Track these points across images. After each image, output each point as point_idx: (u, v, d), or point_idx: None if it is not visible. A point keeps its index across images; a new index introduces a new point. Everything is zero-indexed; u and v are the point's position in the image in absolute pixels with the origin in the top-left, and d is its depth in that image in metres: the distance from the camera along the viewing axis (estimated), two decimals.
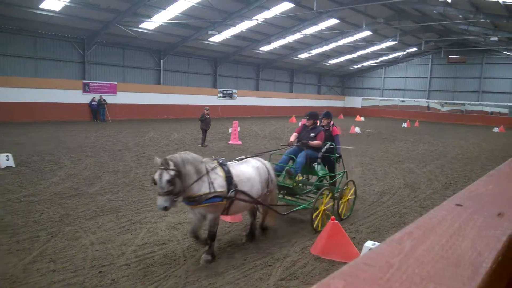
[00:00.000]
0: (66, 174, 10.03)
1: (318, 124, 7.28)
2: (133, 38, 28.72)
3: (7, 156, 10.50)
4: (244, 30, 30.70)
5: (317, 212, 6.29)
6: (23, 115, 24.05)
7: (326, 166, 7.25)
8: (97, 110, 28.18)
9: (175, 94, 34.77)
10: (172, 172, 4.43)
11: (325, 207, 6.54)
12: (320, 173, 6.94)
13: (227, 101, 39.69)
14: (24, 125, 21.29)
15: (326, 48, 38.51)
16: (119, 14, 24.03)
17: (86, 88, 28.26)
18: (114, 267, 4.93)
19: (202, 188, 4.71)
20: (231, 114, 38.12)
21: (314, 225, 6.25)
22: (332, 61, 45.44)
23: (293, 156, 6.91)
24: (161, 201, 4.41)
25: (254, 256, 5.47)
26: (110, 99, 29.13)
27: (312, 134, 6.93)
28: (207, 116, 16.09)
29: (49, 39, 25.91)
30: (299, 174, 7.07)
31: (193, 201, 4.70)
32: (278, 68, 45.79)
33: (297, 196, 6.90)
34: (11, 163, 10.47)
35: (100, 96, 28.55)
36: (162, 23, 26.60)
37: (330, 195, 6.72)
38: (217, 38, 31.84)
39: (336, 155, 7.17)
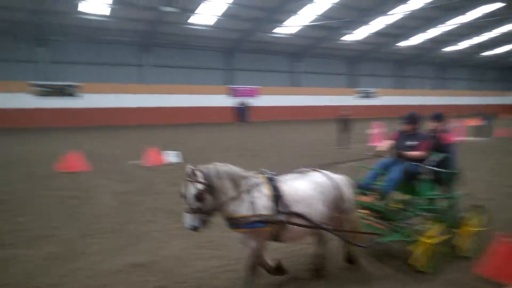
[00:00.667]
0: None
1: (423, 129, 5.61)
2: (270, 43, 30.38)
3: (174, 153, 12.40)
4: (382, 26, 29.36)
5: (419, 245, 4.70)
6: (177, 118, 27.82)
7: (437, 185, 5.40)
8: (241, 113, 30.86)
9: (312, 95, 35.43)
10: (201, 186, 3.66)
11: (433, 241, 4.77)
12: (426, 193, 5.22)
13: (366, 100, 38.47)
14: (181, 126, 24.49)
15: (481, 38, 33.86)
16: (257, 22, 25.74)
17: (231, 93, 31.15)
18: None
19: (240, 209, 3.80)
20: (370, 115, 36.79)
21: (416, 264, 4.67)
22: (489, 53, 39.66)
23: (384, 170, 5.37)
24: (189, 219, 3.66)
25: None
26: (252, 102, 31.51)
27: (409, 143, 5.41)
28: (347, 117, 15.92)
29: (198, 50, 29.37)
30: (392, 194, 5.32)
31: (231, 223, 3.85)
32: (422, 64, 42.23)
33: (392, 222, 5.16)
34: (178, 159, 12.32)
35: (244, 99, 31.17)
36: (300, 26, 27.42)
37: (441, 224, 5.02)
38: (353, 36, 31.22)
39: (450, 171, 5.32)
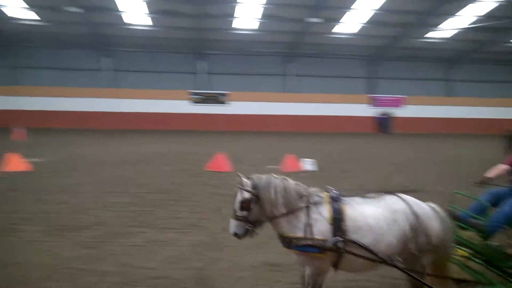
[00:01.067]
0: (354, 183, 10.98)
1: None
2: (420, 49, 28.19)
3: (311, 161, 12.65)
4: None
5: None
6: (316, 127, 28.10)
7: None
8: (383, 123, 29.46)
9: (468, 106, 31.52)
10: (247, 195, 3.61)
11: None
12: None
13: None
14: (319, 135, 24.66)
15: None
16: (407, 27, 24.18)
17: (372, 102, 30.01)
18: None
19: (293, 228, 3.57)
20: None
21: None
22: None
23: (493, 202, 4.42)
24: (232, 225, 3.69)
25: None
26: (396, 112, 29.76)
27: None
28: None
29: (340, 59, 29.16)
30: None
31: (283, 241, 3.64)
32: None
33: (499, 267, 4.09)
34: (314, 167, 12.52)
35: (386, 109, 29.67)
36: (458, 29, 24.77)
37: None
38: None
39: None
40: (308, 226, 3.49)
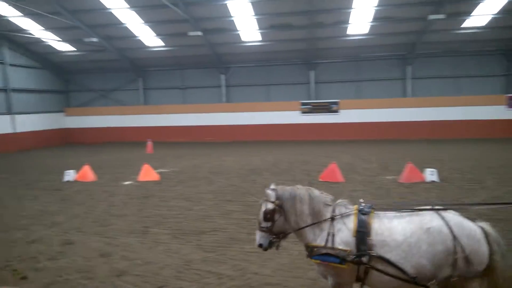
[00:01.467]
0: (487, 195, 9.77)
1: None
2: None
3: (432, 171, 11.68)
4: None
5: None
6: (439, 133, 25.77)
7: None
8: None
9: None
10: (271, 206, 3.65)
11: None
12: None
13: None
14: (443, 142, 22.59)
15: None
16: None
17: (509, 103, 26.37)
18: None
19: (317, 238, 3.52)
20: None
21: None
22: None
23: None
24: (257, 236, 3.71)
25: None
26: None
27: None
28: None
29: (467, 56, 26.31)
30: None
31: (308, 251, 3.57)
32: None
33: None
34: (435, 177, 11.53)
35: None
36: None
37: None
38: None
39: None
40: (331, 235, 3.46)
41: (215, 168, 15.07)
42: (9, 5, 19.67)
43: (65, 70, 29.49)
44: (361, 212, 3.53)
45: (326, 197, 3.75)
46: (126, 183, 12.57)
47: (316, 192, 3.77)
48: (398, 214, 3.58)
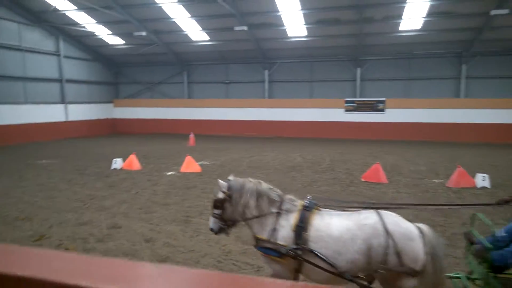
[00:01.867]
0: None
1: None
2: None
3: (483, 176, 11.18)
4: None
5: None
6: (495, 136, 24.43)
7: None
8: None
9: None
10: (221, 195, 3.98)
11: None
12: None
13: None
14: (498, 147, 21.44)
15: None
16: None
17: None
18: None
19: (262, 231, 3.79)
20: None
21: None
22: None
23: None
24: (210, 221, 4.09)
25: None
26: None
27: None
28: None
29: None
30: None
31: (254, 242, 3.85)
32: None
33: None
34: (486, 183, 11.03)
35: None
36: None
37: None
38: None
39: None
40: (274, 230, 3.70)
41: (255, 163, 15.26)
42: None
43: (115, 62, 30.89)
44: (305, 208, 3.76)
45: (274, 192, 3.96)
46: (169, 173, 13.06)
47: (264, 186, 4.00)
48: (339, 212, 3.81)
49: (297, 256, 3.56)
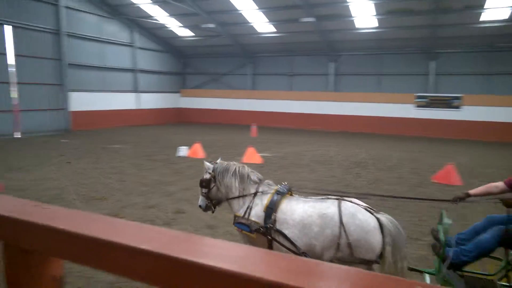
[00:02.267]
0: None
1: None
2: None
3: None
4: None
5: None
6: None
7: None
8: None
9: None
10: (207, 176, 4.50)
11: None
12: None
13: None
14: None
15: None
16: None
17: None
18: None
19: (240, 209, 4.22)
20: None
21: None
22: None
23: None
24: (199, 199, 4.65)
25: None
26: None
27: None
28: None
29: None
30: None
31: (234, 219, 4.27)
32: None
33: None
34: None
35: None
36: None
37: None
38: None
39: None
40: (249, 208, 4.11)
41: (318, 157, 15.04)
42: None
43: (183, 54, 32.08)
44: (277, 192, 4.10)
45: (255, 176, 4.36)
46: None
47: (247, 170, 4.40)
48: (307, 199, 4.08)
49: (265, 233, 3.94)
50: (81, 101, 23.55)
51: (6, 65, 19.27)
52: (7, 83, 19.43)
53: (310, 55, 28.15)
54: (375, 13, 21.52)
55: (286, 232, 3.85)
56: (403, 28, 22.72)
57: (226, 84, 31.29)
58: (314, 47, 26.97)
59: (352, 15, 22.04)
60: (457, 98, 24.28)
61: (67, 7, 22.20)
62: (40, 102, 21.06)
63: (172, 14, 25.13)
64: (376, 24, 22.79)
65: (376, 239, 3.61)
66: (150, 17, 25.92)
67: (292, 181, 10.75)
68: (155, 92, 29.87)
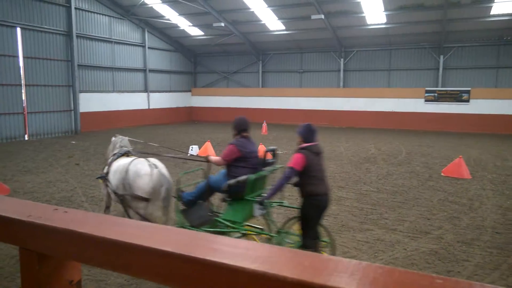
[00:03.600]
0: None
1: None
2: None
3: None
4: None
5: None
6: None
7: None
8: None
9: None
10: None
11: None
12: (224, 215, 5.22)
13: None
14: None
15: None
16: None
17: None
18: None
19: (107, 166, 5.76)
20: None
21: None
22: None
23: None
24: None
25: None
26: None
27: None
28: None
29: None
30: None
31: None
32: None
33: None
34: None
35: None
36: None
37: None
38: None
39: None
40: (106, 165, 5.78)
41: (328, 153, 14.98)
42: None
43: (194, 53, 32.13)
44: (121, 155, 5.71)
45: (121, 144, 6.03)
46: None
47: (122, 140, 6.15)
48: (132, 158, 5.48)
49: (104, 179, 5.60)
50: (91, 102, 23.65)
51: (18, 67, 19.35)
52: (19, 85, 19.54)
53: (320, 52, 28.01)
54: (384, 9, 21.29)
55: (109, 177, 5.48)
56: (413, 24, 22.45)
57: (237, 82, 31.29)
58: (324, 43, 26.82)
59: (362, 12, 21.84)
60: (466, 92, 23.96)
61: (78, 8, 22.34)
62: (49, 104, 21.03)
63: (182, 14, 25.17)
64: (385, 20, 22.56)
65: (146, 182, 5.07)
66: (161, 17, 26.00)
67: None
68: (166, 92, 29.99)
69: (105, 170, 5.67)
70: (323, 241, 5.08)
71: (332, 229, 6.70)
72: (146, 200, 5.08)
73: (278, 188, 4.87)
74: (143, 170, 5.14)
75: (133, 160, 5.36)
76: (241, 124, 5.47)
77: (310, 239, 4.78)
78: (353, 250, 5.82)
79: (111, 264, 0.81)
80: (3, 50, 18.60)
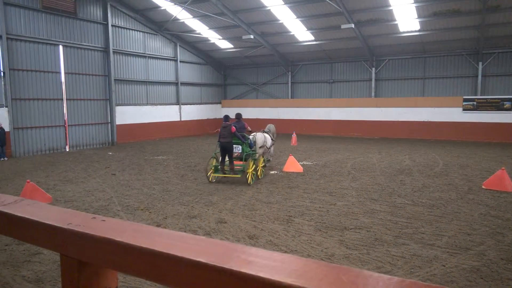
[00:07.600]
0: None
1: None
2: None
3: None
4: None
5: None
6: None
7: None
8: None
9: None
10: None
11: None
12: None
13: None
14: None
15: None
16: None
17: None
18: None
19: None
20: None
21: None
22: None
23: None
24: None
25: None
26: None
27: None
28: None
29: None
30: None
31: None
32: None
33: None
34: None
35: None
36: None
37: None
38: None
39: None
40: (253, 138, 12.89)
41: (359, 165, 14.71)
42: (183, 9, 22.75)
43: (224, 65, 32.62)
44: (262, 132, 13.58)
45: (267, 128, 14.50)
46: (272, 172, 13.32)
47: (264, 134, 13.50)
48: (263, 132, 13.50)
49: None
50: (126, 115, 24.49)
51: (60, 83, 20.49)
52: (61, 99, 20.61)
53: (350, 61, 27.76)
54: (417, 16, 20.88)
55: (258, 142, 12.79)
56: (448, 30, 21.88)
57: (266, 93, 31.44)
58: (354, 53, 26.58)
59: (394, 19, 21.52)
60: (508, 100, 22.96)
61: (115, 26, 23.33)
62: (88, 117, 22.09)
63: (212, 28, 25.70)
64: (418, 27, 22.10)
65: (262, 140, 12.87)
66: (192, 31, 26.65)
67: (334, 189, 10.59)
68: (197, 104, 30.54)
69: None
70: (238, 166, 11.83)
71: (364, 242, 6.55)
72: (261, 147, 12.72)
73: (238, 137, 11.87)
74: (260, 136, 12.91)
75: (262, 132, 13.31)
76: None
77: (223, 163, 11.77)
78: (388, 265, 5.64)
79: (146, 274, 0.83)
80: (47, 67, 19.83)
